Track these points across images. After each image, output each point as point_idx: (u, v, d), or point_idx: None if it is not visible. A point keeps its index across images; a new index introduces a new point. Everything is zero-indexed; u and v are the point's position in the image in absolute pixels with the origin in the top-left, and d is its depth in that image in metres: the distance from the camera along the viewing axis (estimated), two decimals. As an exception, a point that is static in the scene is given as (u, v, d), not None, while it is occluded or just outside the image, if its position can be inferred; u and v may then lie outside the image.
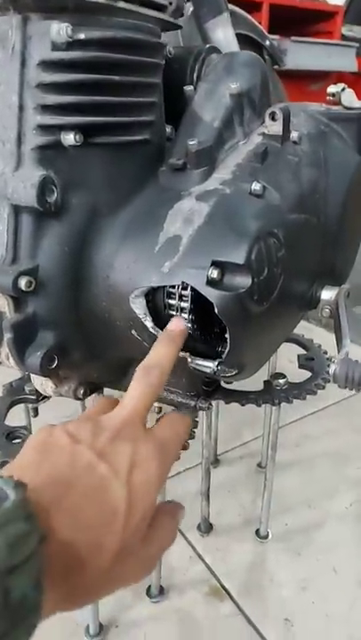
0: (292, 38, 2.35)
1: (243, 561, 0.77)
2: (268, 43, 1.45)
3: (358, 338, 1.39)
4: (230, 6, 1.12)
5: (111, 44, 0.41)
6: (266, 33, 1.45)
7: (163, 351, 0.40)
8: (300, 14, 2.65)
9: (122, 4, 0.42)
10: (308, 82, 2.68)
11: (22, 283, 0.42)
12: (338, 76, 2.85)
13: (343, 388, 0.42)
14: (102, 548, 0.29)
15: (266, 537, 0.80)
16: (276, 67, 1.60)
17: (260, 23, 2.31)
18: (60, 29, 0.39)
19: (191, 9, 1.06)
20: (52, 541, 0.27)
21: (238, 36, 1.14)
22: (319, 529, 0.82)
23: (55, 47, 0.40)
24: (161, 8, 0.46)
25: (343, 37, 2.83)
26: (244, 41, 1.27)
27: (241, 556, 0.78)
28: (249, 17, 1.35)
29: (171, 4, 0.47)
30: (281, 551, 0.79)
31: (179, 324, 0.43)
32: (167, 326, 0.43)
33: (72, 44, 0.40)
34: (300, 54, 2.40)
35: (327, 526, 0.83)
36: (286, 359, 0.84)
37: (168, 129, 0.54)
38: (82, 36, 0.40)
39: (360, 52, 2.73)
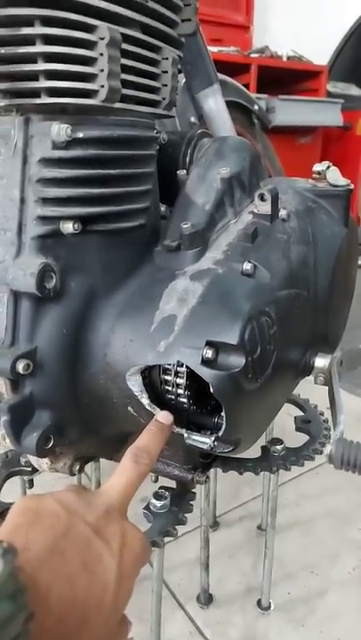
0: (280, 97, 2.48)
1: (245, 635, 0.74)
2: (256, 107, 1.53)
3: (359, 389, 1.39)
4: (220, 75, 1.20)
5: (108, 141, 0.44)
6: (254, 97, 1.53)
7: (152, 439, 0.43)
8: (287, 74, 2.80)
9: (118, 105, 0.44)
10: (296, 136, 2.80)
11: (20, 366, 0.43)
12: (325, 130, 2.98)
13: (339, 469, 0.42)
14: (90, 624, 0.29)
15: (268, 608, 0.77)
16: (265, 127, 1.68)
17: (248, 83, 2.45)
18: (60, 130, 0.42)
19: (184, 80, 1.13)
20: (46, 615, 0.26)
21: (229, 103, 1.20)
22: (322, 597, 0.80)
23: (55, 146, 0.42)
24: (155, 104, 0.50)
25: (329, 94, 2.98)
26: (234, 107, 1.34)
27: (242, 630, 0.75)
28: (238, 84, 1.43)
29: (164, 99, 0.51)
30: (284, 622, 0.76)
31: (167, 417, 0.46)
32: (156, 416, 0.46)
33: (71, 143, 0.43)
34: (289, 111, 2.52)
35: (330, 594, 0.80)
36: (286, 413, 0.84)
37: (163, 208, 0.56)
38: (80, 135, 0.43)
39: (345, 107, 2.87)
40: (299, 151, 2.77)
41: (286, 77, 2.84)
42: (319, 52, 3.03)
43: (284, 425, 0.81)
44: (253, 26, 2.93)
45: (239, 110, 1.44)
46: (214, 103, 1.15)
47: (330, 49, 3.27)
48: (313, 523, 0.94)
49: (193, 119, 1.19)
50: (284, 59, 2.83)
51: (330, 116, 2.84)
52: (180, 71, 0.96)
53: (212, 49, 1.10)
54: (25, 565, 0.27)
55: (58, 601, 0.28)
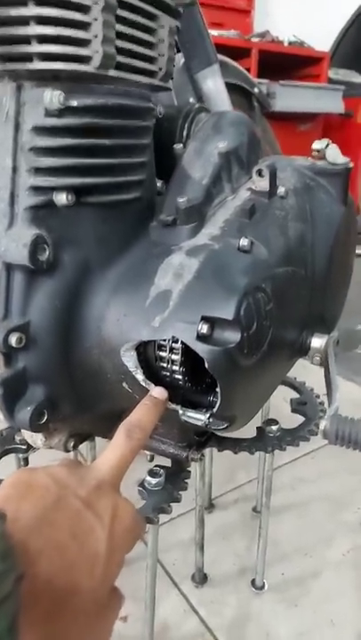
0: (281, 82, 2.45)
1: (238, 614, 0.75)
2: (256, 90, 1.51)
3: (356, 376, 1.39)
4: (220, 56, 1.17)
5: (102, 110, 0.43)
6: (255, 80, 1.51)
7: (145, 413, 0.42)
8: (289, 59, 2.77)
9: (113, 73, 0.43)
10: (297, 123, 2.77)
11: (13, 339, 0.43)
12: (325, 117, 2.95)
13: (334, 445, 0.42)
14: (81, 591, 0.29)
15: (262, 587, 0.77)
16: (265, 111, 1.66)
17: (249, 68, 2.42)
18: (52, 97, 0.41)
19: (182, 60, 1.11)
20: (35, 579, 0.26)
21: (228, 85, 1.18)
22: (316, 578, 0.80)
23: (48, 114, 0.41)
24: (151, 74, 0.48)
25: (330, 80, 2.95)
26: (233, 89, 1.32)
27: (236, 609, 0.75)
28: (238, 66, 1.41)
29: (161, 69, 0.49)
30: (277, 602, 0.76)
31: (162, 393, 0.45)
32: (150, 391, 0.45)
33: (64, 111, 0.41)
34: (289, 97, 2.49)
35: (324, 575, 0.81)
36: (281, 398, 0.84)
37: (159, 184, 0.55)
38: (74, 103, 0.42)
39: (347, 95, 2.84)
40: (299, 138, 2.74)
41: (287, 63, 2.80)
42: (321, 38, 2.99)
43: (280, 410, 0.80)
44: (255, 10, 2.88)
45: (239, 93, 1.42)
46: (213, 84, 1.13)
47: (332, 35, 3.23)
48: (308, 506, 0.94)
49: (192, 100, 1.17)
50: (286, 44, 2.79)
51: (331, 102, 2.81)
52: (178, 50, 0.94)
53: (213, 32, 1.08)
54: (15, 533, 0.27)
55: (47, 567, 0.28)
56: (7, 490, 0.31)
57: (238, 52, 2.41)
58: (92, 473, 0.36)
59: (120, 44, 0.43)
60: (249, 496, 0.95)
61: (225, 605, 0.76)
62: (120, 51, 0.43)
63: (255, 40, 2.63)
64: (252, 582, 0.78)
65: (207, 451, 0.82)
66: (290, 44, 2.80)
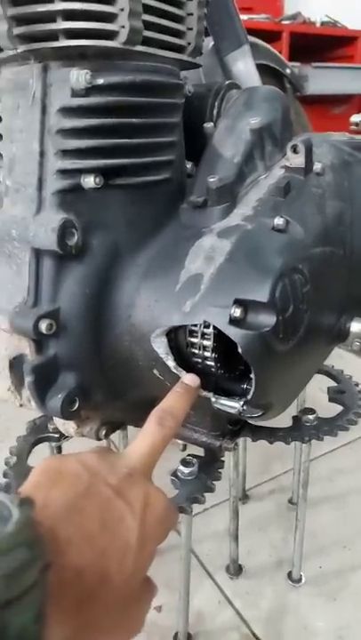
0: (313, 64, 2.37)
1: (275, 606, 0.73)
2: (288, 71, 1.46)
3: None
4: (250, 38, 1.14)
5: (130, 87, 0.42)
6: (286, 61, 1.46)
7: (177, 400, 0.41)
8: (321, 40, 2.68)
9: (139, 48, 0.42)
10: (330, 106, 2.69)
11: (43, 326, 0.42)
12: (360, 99, 2.85)
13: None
14: (111, 582, 0.28)
15: (299, 580, 0.76)
16: (298, 93, 1.61)
17: (280, 52, 2.35)
18: (79, 76, 0.40)
19: (212, 43, 1.08)
20: (63, 569, 0.26)
21: (259, 66, 1.15)
22: (355, 572, 0.78)
23: (75, 94, 0.40)
24: (179, 49, 0.47)
25: (365, 60, 2.84)
26: (264, 71, 1.28)
27: (273, 601, 0.74)
28: (269, 47, 1.36)
29: (189, 44, 0.48)
30: (315, 596, 0.74)
31: (194, 380, 0.44)
32: (182, 378, 0.44)
33: (91, 90, 0.40)
34: (322, 79, 2.41)
35: (364, 569, 0.78)
36: (317, 388, 0.81)
37: (188, 165, 0.54)
38: (101, 81, 0.41)
39: (382, 75, 2.72)
40: (333, 121, 2.64)
41: (320, 44, 2.71)
42: (355, 17, 2.87)
43: (316, 400, 0.78)
44: (285, -8, 2.80)
45: (270, 74, 1.38)
46: (244, 66, 1.10)
47: (366, 12, 3.10)
48: (346, 498, 0.91)
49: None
50: (318, 24, 2.70)
51: (366, 83, 2.71)
52: (207, 32, 0.91)
53: (242, 17, 1.05)
54: (44, 520, 0.26)
55: (77, 557, 0.27)
56: (37, 477, 0.31)
57: (269, 36, 2.34)
58: (123, 461, 0.35)
59: (147, 17, 0.41)
60: (285, 487, 0.93)
61: (261, 597, 0.74)
62: (147, 25, 0.41)
63: (286, 22, 2.55)
64: (289, 575, 0.76)
65: (241, 440, 0.80)
66: (322, 24, 2.71)
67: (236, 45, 1.08)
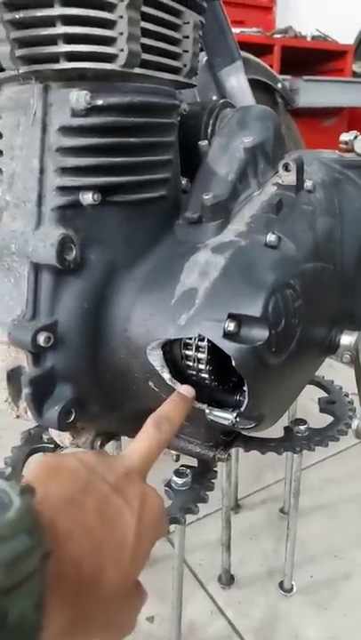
0: (304, 77, 2.41)
1: (266, 616, 0.74)
2: (280, 86, 1.49)
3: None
4: (243, 53, 1.16)
5: (128, 108, 0.43)
6: (278, 76, 1.49)
7: (174, 407, 0.42)
8: (312, 54, 2.73)
9: (138, 70, 0.43)
10: (321, 118, 2.73)
11: (41, 339, 0.43)
12: (351, 112, 2.90)
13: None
14: (107, 575, 0.28)
15: (290, 590, 0.76)
16: (289, 107, 1.64)
17: (272, 65, 2.39)
18: (79, 97, 0.41)
19: (205, 58, 1.10)
20: (62, 560, 0.26)
21: (251, 81, 1.17)
22: (346, 580, 0.79)
23: (74, 113, 0.42)
24: (176, 71, 0.48)
25: (354, 74, 2.89)
26: (257, 85, 1.30)
27: (265, 611, 0.74)
28: (260, 62, 1.39)
29: (185, 65, 0.49)
30: (307, 605, 0.75)
31: (189, 390, 0.45)
32: (178, 389, 0.45)
33: (91, 110, 0.42)
34: (313, 92, 2.45)
35: (355, 578, 0.79)
36: (308, 398, 0.82)
37: (184, 182, 0.55)
38: (100, 102, 0.42)
39: (371, 88, 2.77)
40: (324, 134, 2.69)
41: (311, 58, 2.76)
42: (345, 32, 2.93)
43: (308, 410, 0.79)
44: (276, 6, 2.85)
45: (262, 89, 1.41)
46: (237, 81, 1.12)
47: (356, 27, 3.16)
48: (337, 507, 0.92)
49: (215, 98, 1.17)
50: (309, 38, 2.75)
51: (356, 96, 2.75)
52: (201, 49, 0.93)
53: (234, 30, 1.07)
54: (44, 511, 0.26)
55: (76, 549, 0.27)
56: (36, 472, 0.31)
57: (260, 50, 2.39)
58: (121, 461, 0.35)
59: (145, 41, 0.43)
60: (276, 497, 0.94)
61: (253, 607, 0.75)
62: (145, 48, 0.43)
63: (278, 36, 2.60)
64: (281, 584, 0.77)
65: (233, 451, 0.81)
66: (313, 38, 2.76)
67: (229, 61, 1.11)
